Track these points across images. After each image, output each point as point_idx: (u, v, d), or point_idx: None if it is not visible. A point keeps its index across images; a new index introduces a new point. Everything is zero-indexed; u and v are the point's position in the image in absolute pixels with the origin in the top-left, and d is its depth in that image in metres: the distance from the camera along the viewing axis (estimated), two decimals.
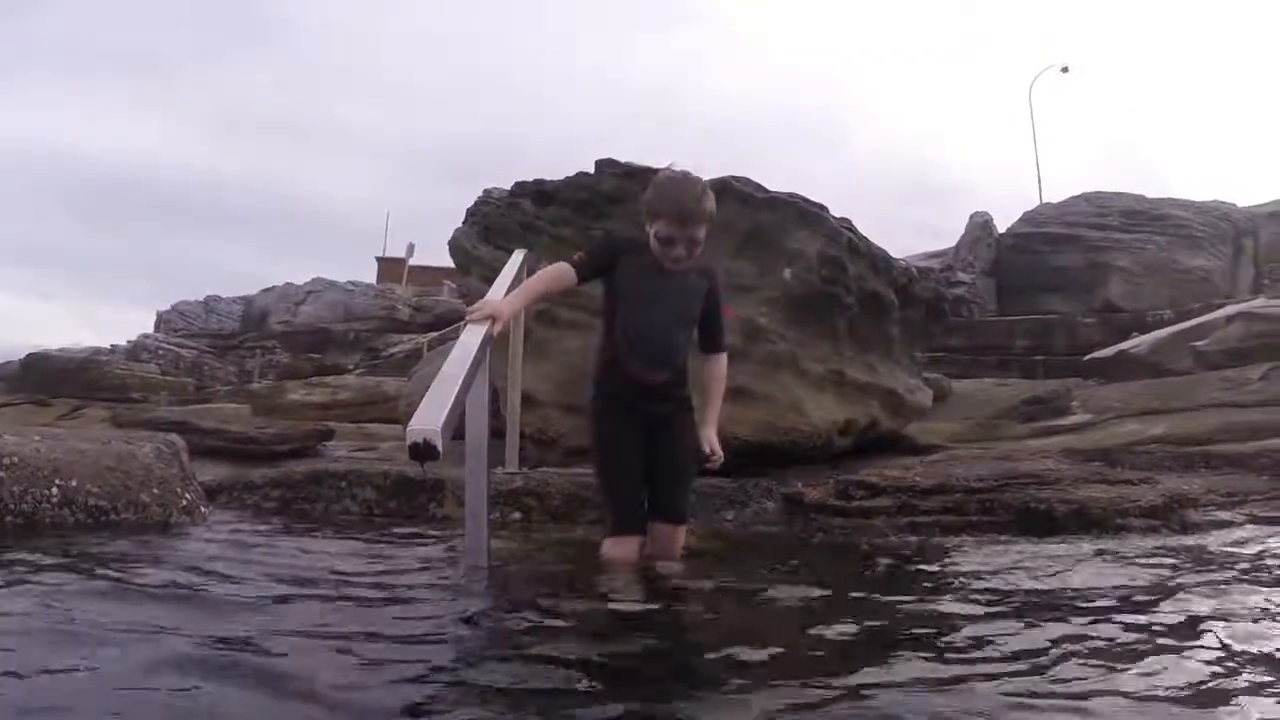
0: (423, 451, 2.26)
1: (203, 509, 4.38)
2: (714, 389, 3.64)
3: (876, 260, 6.93)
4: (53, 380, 17.39)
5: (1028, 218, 20.43)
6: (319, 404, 13.95)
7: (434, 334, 20.35)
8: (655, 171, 6.94)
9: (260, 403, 13.88)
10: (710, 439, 3.51)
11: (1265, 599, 2.84)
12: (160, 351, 21.99)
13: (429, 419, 2.33)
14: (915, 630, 2.53)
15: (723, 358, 3.69)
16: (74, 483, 3.80)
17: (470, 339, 2.97)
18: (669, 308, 3.47)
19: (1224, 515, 4.83)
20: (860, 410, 6.69)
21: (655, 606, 2.80)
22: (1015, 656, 2.19)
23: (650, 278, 3.43)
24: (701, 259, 3.49)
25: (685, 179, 3.42)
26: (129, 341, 23.43)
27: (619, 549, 3.36)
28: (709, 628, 2.66)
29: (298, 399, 14.45)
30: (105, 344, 23.48)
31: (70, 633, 2.09)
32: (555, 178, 7.27)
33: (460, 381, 2.59)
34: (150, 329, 26.15)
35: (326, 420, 11.32)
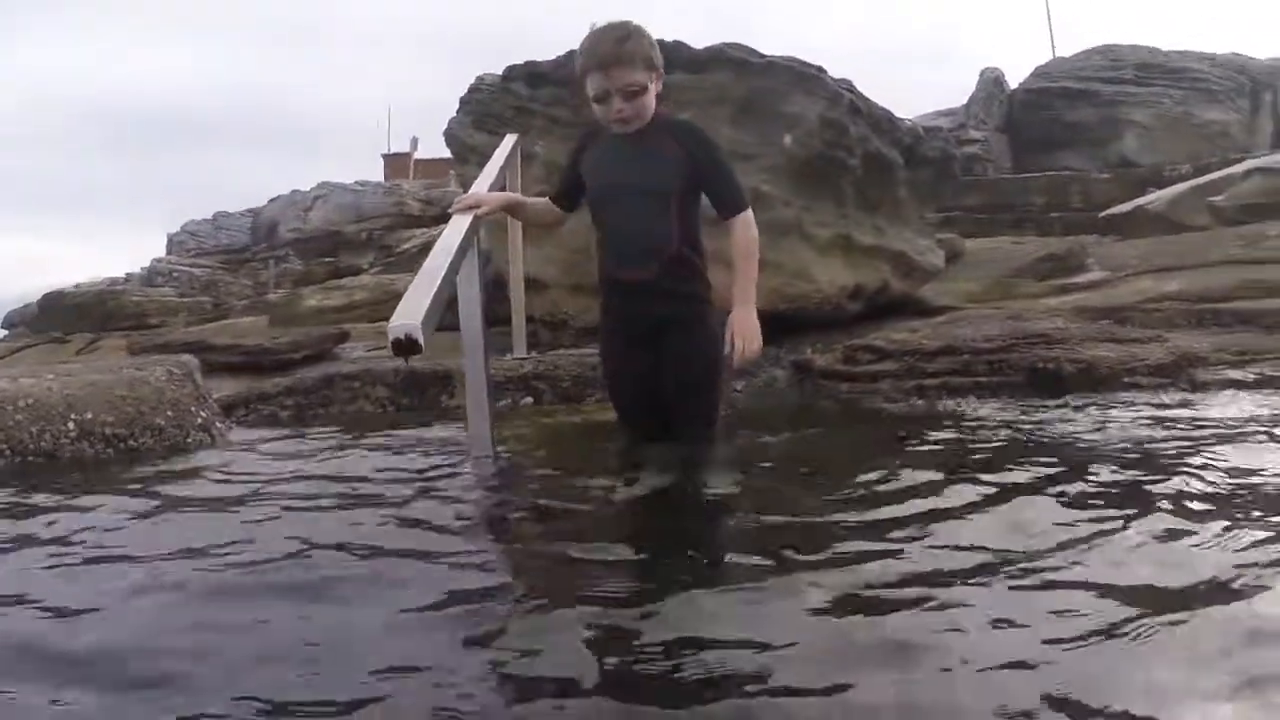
0: (405, 346, 2.22)
1: (219, 425, 4.41)
2: (737, 261, 3.07)
3: (879, 121, 6.78)
4: (71, 316, 17.37)
5: (1040, 72, 19.85)
6: (336, 307, 13.93)
7: (446, 226, 20.08)
8: None
9: (277, 313, 13.89)
10: (737, 323, 2.98)
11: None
12: (174, 274, 21.96)
13: (410, 313, 2.30)
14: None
15: (738, 223, 3.08)
16: (89, 415, 3.84)
17: (453, 230, 2.93)
18: (636, 187, 3.08)
19: (1234, 374, 4.79)
20: (870, 273, 6.64)
21: (659, 489, 2.74)
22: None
23: (611, 159, 3.12)
24: (672, 119, 3.19)
25: (604, 27, 3.06)
26: (143, 268, 23.39)
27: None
28: (713, 512, 2.62)
29: (314, 304, 14.43)
30: (120, 274, 23.44)
31: (96, 559, 2.12)
32: (549, 58, 7.11)
33: (442, 273, 2.55)
34: (162, 253, 26.08)
35: (346, 322, 11.32)
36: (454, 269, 2.70)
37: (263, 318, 13.59)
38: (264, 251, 23.36)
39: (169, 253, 26.17)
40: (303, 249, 22.12)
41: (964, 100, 19.62)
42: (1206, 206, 11.12)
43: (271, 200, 26.25)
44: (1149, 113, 17.68)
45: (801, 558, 1.94)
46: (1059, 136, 18.02)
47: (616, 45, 2.97)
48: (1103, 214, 12.76)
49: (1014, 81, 19.89)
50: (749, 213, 3.11)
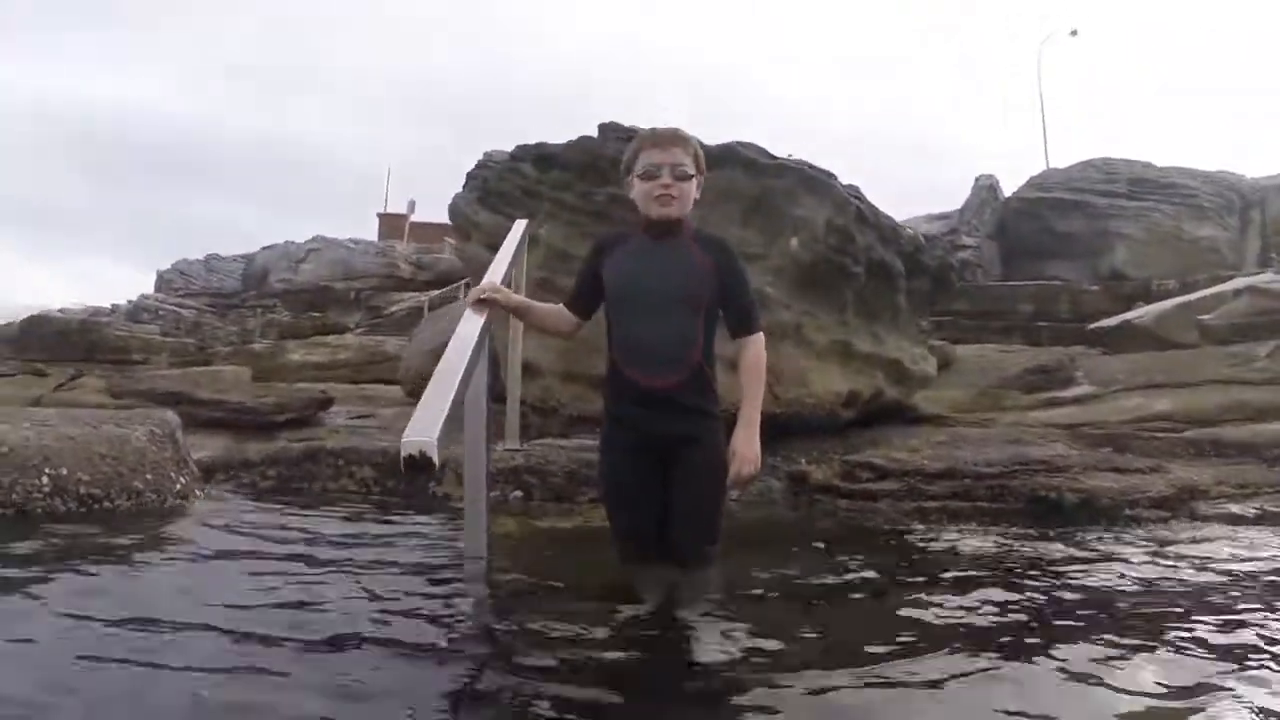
0: (418, 464, 2.07)
1: (198, 491, 4.32)
2: (745, 381, 3.01)
3: (884, 229, 6.81)
4: (52, 342, 17.27)
5: (1034, 183, 20.21)
6: (319, 364, 13.93)
7: (435, 293, 20.24)
8: None
9: (260, 364, 13.82)
10: (739, 444, 2.90)
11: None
12: (161, 312, 21.97)
13: (425, 428, 2.15)
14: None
15: (752, 341, 3.05)
16: (64, 471, 3.72)
17: (468, 330, 2.84)
18: (663, 289, 2.99)
19: (1234, 509, 4.75)
20: (865, 381, 6.59)
21: (657, 620, 2.67)
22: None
23: (639, 260, 3.05)
24: (701, 231, 3.14)
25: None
26: (129, 302, 23.38)
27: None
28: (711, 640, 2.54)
29: (298, 359, 14.43)
30: (105, 304, 23.39)
31: (64, 632, 2.10)
32: (558, 140, 7.11)
33: (458, 378, 2.46)
34: (151, 289, 26.05)
35: (328, 380, 11.26)
36: (469, 372, 2.62)
37: (246, 367, 13.51)
38: (253, 299, 23.35)
39: (157, 289, 26.19)
40: (292, 301, 22.13)
41: (957, 204, 19.92)
42: (1195, 324, 11.19)
43: (265, 248, 26.41)
44: (1140, 226, 17.98)
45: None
46: (1050, 246, 18.26)
47: (676, 130, 3.08)
48: (1090, 326, 12.85)
49: (1008, 189, 20.22)
50: (762, 335, 3.09)
